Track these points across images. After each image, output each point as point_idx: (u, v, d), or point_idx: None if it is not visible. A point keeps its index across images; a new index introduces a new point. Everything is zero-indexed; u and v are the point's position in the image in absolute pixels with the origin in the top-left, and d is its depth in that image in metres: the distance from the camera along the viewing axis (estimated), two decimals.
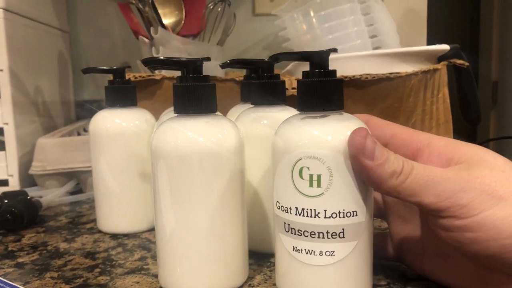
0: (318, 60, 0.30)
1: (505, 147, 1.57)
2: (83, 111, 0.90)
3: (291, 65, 0.66)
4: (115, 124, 0.45)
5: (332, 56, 0.64)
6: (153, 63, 0.32)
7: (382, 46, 0.68)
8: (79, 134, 0.74)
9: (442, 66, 0.59)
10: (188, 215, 0.31)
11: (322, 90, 0.29)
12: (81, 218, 0.51)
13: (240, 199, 0.33)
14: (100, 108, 0.47)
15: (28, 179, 0.63)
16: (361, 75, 0.55)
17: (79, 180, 0.62)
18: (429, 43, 0.73)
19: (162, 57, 0.32)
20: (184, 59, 0.32)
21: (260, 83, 0.39)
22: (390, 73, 0.55)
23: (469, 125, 0.69)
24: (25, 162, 0.63)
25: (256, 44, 0.93)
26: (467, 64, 0.62)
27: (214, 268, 0.32)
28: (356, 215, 0.29)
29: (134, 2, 0.64)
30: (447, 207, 0.25)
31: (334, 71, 0.30)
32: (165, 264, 0.33)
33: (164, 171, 0.32)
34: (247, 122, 0.38)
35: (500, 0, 1.87)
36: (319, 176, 0.28)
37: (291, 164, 0.29)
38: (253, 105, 0.40)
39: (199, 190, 0.31)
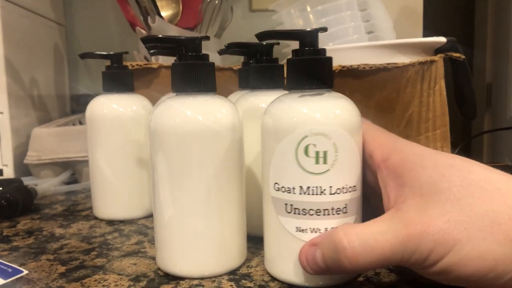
0: (308, 39, 0.30)
1: (497, 141, 1.58)
2: (79, 105, 0.90)
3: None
4: (112, 109, 0.44)
5: (330, 47, 0.64)
6: (152, 41, 0.32)
7: None
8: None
9: (439, 58, 0.59)
10: (186, 195, 0.31)
11: (315, 68, 0.29)
12: (76, 206, 0.51)
13: (239, 179, 0.33)
14: None
15: (23, 169, 0.62)
16: (358, 65, 0.55)
17: (74, 170, 0.61)
18: None
19: (161, 35, 0.32)
20: (183, 37, 0.32)
21: (259, 67, 0.39)
22: (388, 64, 0.55)
23: (465, 119, 0.69)
24: (20, 153, 0.63)
25: (253, 39, 0.93)
26: (463, 57, 0.62)
27: (212, 248, 0.32)
28: (356, 190, 0.29)
29: None
30: (412, 264, 0.25)
31: (324, 50, 0.30)
32: (163, 245, 0.33)
33: (162, 150, 0.31)
34: (245, 106, 0.38)
35: (494, 7, 1.88)
36: (325, 153, 0.28)
37: (295, 142, 0.28)
38: (251, 90, 0.40)
39: (198, 170, 0.31)
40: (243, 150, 0.33)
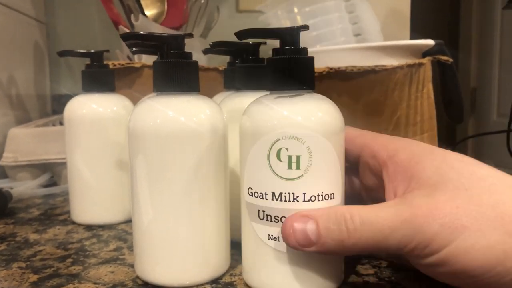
0: (289, 37, 0.28)
1: (482, 145, 1.59)
2: (60, 106, 0.87)
3: None
4: (91, 109, 0.43)
5: (317, 48, 0.63)
6: (132, 37, 0.31)
7: None
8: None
9: (427, 61, 0.59)
10: (167, 199, 0.30)
11: (295, 68, 0.28)
12: (54, 210, 0.49)
13: (222, 184, 0.31)
14: None
15: None
16: (346, 67, 0.54)
17: (53, 173, 0.59)
18: None
19: (142, 32, 0.30)
20: (165, 34, 0.30)
21: (245, 67, 0.37)
22: (376, 66, 0.54)
23: (452, 122, 0.69)
24: None
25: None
26: (451, 60, 0.61)
27: (193, 256, 0.30)
28: (334, 198, 0.28)
29: None
30: (411, 249, 0.24)
31: (305, 49, 0.29)
32: (142, 253, 0.31)
33: (142, 151, 0.30)
34: (230, 107, 0.37)
35: (479, 12, 1.90)
36: (298, 157, 0.27)
37: (267, 145, 0.27)
38: (237, 91, 0.39)
39: (179, 173, 0.29)
40: (227, 153, 0.32)
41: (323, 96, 0.29)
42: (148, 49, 0.36)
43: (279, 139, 0.27)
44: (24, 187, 0.54)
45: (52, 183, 0.60)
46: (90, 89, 0.43)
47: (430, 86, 0.61)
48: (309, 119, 0.27)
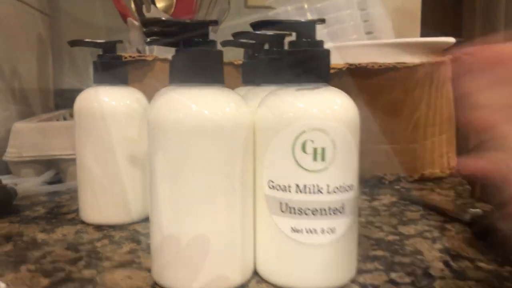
0: (305, 30, 0.28)
1: None
2: (63, 100, 0.85)
3: None
4: (103, 102, 0.40)
5: (335, 44, 0.61)
6: (154, 23, 0.28)
7: None
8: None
9: (448, 59, 0.57)
10: (188, 198, 0.27)
11: (313, 61, 0.28)
12: (61, 208, 0.47)
13: (250, 182, 0.29)
14: None
15: (1, 167, 0.57)
16: (367, 63, 0.52)
17: (59, 169, 0.57)
18: None
19: (164, 18, 0.28)
20: (189, 21, 0.28)
21: (270, 59, 0.35)
22: (397, 63, 0.52)
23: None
24: None
25: None
26: None
27: (217, 260, 0.28)
28: (353, 189, 0.28)
29: None
30: None
31: (322, 42, 0.28)
32: (160, 256, 0.29)
33: (163, 147, 0.28)
34: (255, 103, 0.35)
35: (482, 16, 1.89)
36: (323, 149, 0.27)
37: (292, 137, 0.27)
38: (258, 86, 0.37)
39: (202, 170, 0.27)
40: (253, 149, 0.30)
41: (338, 89, 0.29)
42: (165, 39, 0.34)
43: (305, 131, 0.27)
44: (28, 183, 0.51)
45: (57, 180, 0.57)
46: (102, 81, 0.41)
47: (449, 86, 0.59)
48: (334, 111, 0.27)
